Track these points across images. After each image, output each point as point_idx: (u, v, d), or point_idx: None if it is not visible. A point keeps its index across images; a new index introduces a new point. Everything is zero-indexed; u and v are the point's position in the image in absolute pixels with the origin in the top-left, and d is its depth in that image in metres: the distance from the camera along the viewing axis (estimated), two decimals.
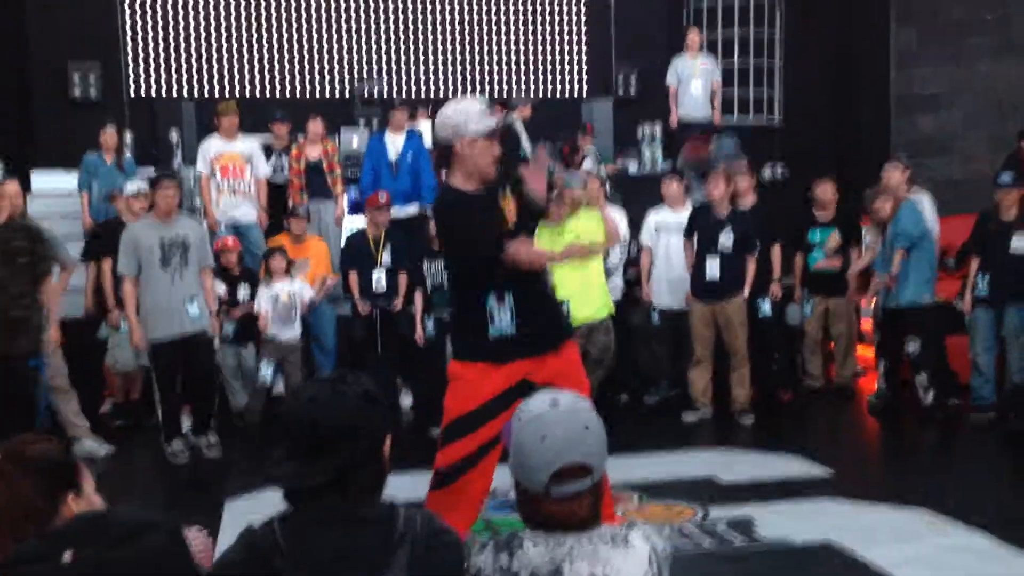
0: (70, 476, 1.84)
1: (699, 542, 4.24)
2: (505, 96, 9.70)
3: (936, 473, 5.71)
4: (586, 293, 6.09)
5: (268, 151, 8.01)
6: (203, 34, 9.89)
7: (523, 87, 10.46)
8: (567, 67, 10.73)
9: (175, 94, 9.69)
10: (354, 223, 7.90)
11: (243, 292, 6.93)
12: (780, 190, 8.96)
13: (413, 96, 10.07)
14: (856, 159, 10.54)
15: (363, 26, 10.25)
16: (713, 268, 6.64)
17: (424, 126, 8.49)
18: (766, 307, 6.99)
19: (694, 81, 9.06)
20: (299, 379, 6.76)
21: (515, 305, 3.34)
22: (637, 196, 8.06)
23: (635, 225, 7.27)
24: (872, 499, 4.82)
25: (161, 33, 9.78)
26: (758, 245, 6.79)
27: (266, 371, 6.70)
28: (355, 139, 8.91)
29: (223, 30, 9.93)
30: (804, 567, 3.96)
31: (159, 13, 9.78)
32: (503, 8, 10.58)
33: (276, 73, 10.04)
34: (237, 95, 9.60)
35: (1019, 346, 6.42)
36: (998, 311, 6.46)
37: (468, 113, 3.36)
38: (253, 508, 3.42)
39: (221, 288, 6.78)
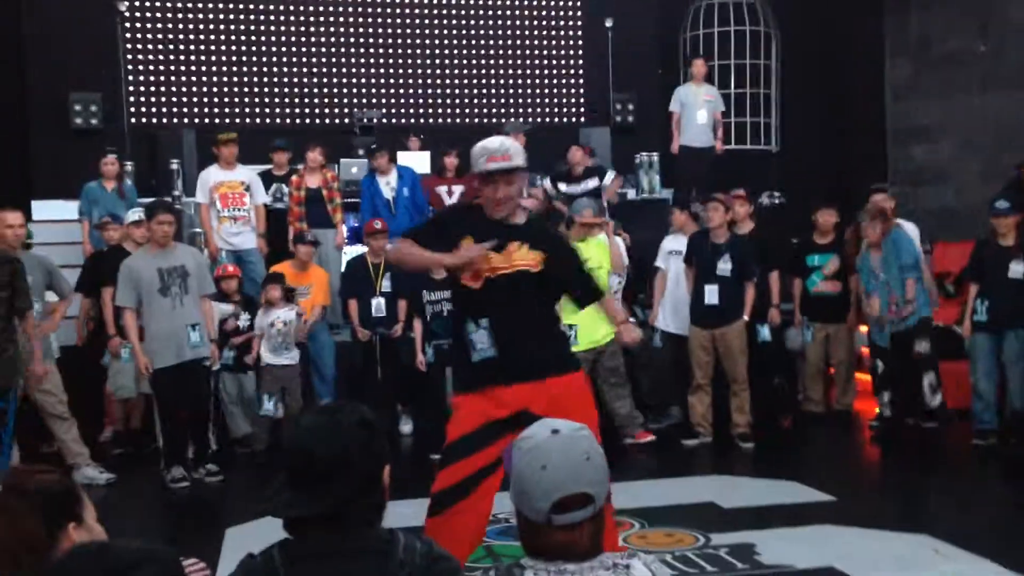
0: (71, 506, 1.83)
1: (701, 569, 4.22)
2: (502, 122, 9.77)
3: (939, 499, 5.70)
4: (595, 317, 6.10)
5: (268, 179, 8.05)
6: (204, 63, 9.98)
7: (521, 114, 10.53)
8: (565, 95, 10.81)
9: (176, 123, 9.74)
10: (353, 251, 7.93)
11: (243, 319, 6.93)
12: (776, 217, 9.00)
13: (412, 123, 10.15)
14: (851, 187, 10.60)
15: (362, 56, 10.35)
16: (712, 294, 6.66)
17: (419, 155, 8.53)
18: (765, 332, 7.00)
19: (699, 111, 9.13)
20: (300, 405, 6.75)
21: (495, 329, 3.37)
22: (636, 222, 8.16)
23: (634, 250, 7.33)
24: (875, 525, 4.80)
25: (162, 62, 9.87)
26: (756, 271, 6.82)
27: (268, 404, 6.68)
28: (354, 168, 8.96)
29: (224, 60, 10.02)
30: None
31: (160, 42, 9.88)
32: (502, 36, 10.68)
33: (276, 102, 10.12)
34: (238, 124, 9.67)
35: (1019, 371, 6.43)
36: (998, 336, 6.47)
37: (475, 153, 3.47)
38: (254, 537, 3.41)
39: (228, 309, 6.79)
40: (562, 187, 8.43)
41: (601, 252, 6.55)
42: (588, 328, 6.35)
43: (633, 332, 3.84)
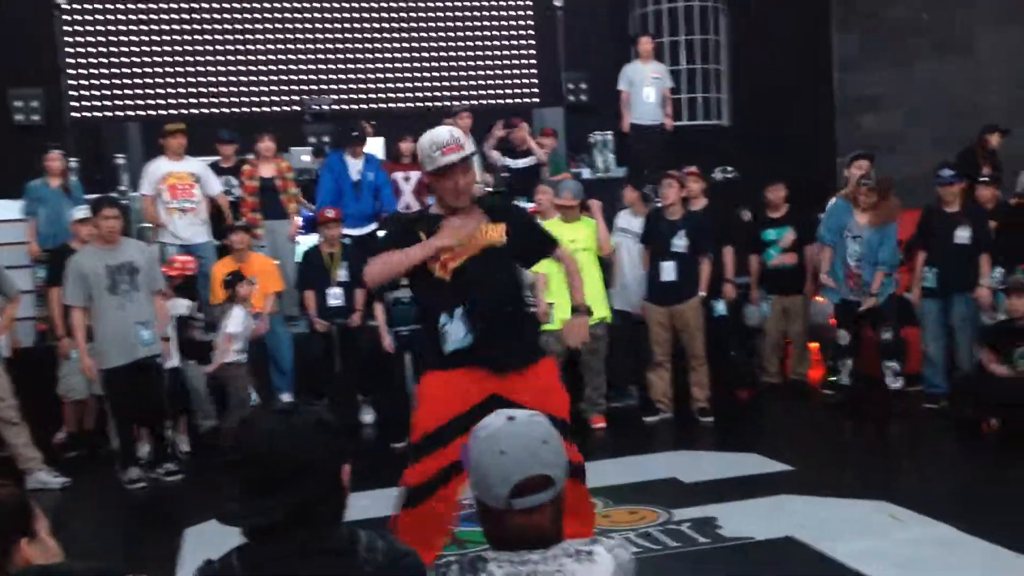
0: (24, 521, 1.80)
1: (664, 545, 4.27)
2: (455, 105, 9.72)
3: (894, 464, 5.81)
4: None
5: (216, 172, 7.90)
6: (147, 54, 9.75)
7: (474, 96, 10.47)
8: (517, 75, 10.77)
9: (120, 116, 9.54)
10: (309, 241, 7.85)
11: (199, 325, 6.80)
12: (730, 192, 9.07)
13: (364, 109, 10.05)
14: (802, 160, 10.72)
15: (311, 42, 10.19)
16: (668, 271, 6.71)
17: (372, 141, 8.46)
18: (720, 307, 7.08)
19: (646, 88, 9.17)
20: (246, 395, 6.62)
21: (470, 315, 3.35)
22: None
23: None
24: (833, 493, 4.88)
25: (103, 54, 9.64)
26: (711, 247, 6.88)
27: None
28: (306, 156, 8.85)
29: (167, 50, 9.80)
30: (767, 563, 4.00)
31: (100, 34, 9.64)
32: (452, 19, 10.58)
33: (223, 92, 9.93)
34: (184, 115, 9.50)
35: (967, 335, 6.58)
36: (946, 301, 6.61)
37: (424, 149, 3.41)
38: (214, 538, 3.37)
39: (183, 304, 6.68)
40: (507, 161, 8.49)
41: (589, 234, 6.58)
42: (565, 308, 6.39)
43: (579, 333, 3.70)
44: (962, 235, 6.57)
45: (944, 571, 3.75)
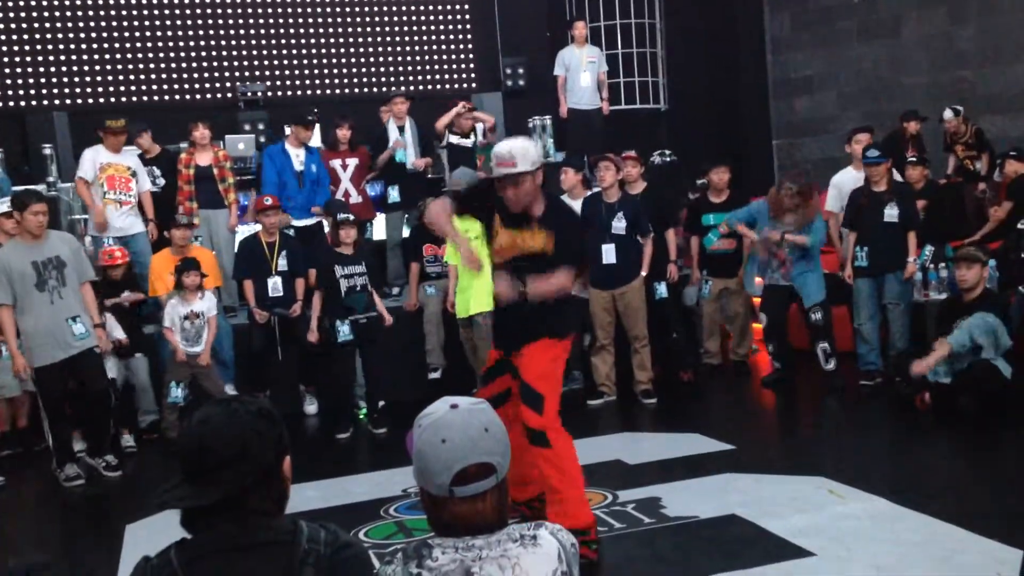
0: None
1: (609, 526, 4.32)
2: (391, 91, 9.62)
3: (831, 441, 5.95)
4: (481, 288, 6.23)
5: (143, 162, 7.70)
6: (72, 40, 9.44)
7: (410, 82, 10.38)
8: (454, 62, 10.72)
9: (46, 105, 9.25)
10: (247, 230, 7.72)
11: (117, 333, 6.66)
12: (669, 175, 9.15)
13: (299, 95, 9.91)
14: (738, 142, 10.88)
15: (243, 27, 9.99)
16: (609, 253, 6.76)
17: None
18: (663, 289, 7.15)
19: (582, 73, 9.19)
20: (221, 387, 6.63)
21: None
22: None
23: None
24: (773, 471, 4.99)
25: (27, 41, 9.32)
26: (651, 228, 6.95)
27: (176, 392, 6.51)
28: (241, 144, 8.69)
29: (94, 35, 9.51)
30: (712, 541, 4.06)
31: (23, 20, 9.31)
32: (388, 4, 10.46)
33: (153, 79, 9.68)
34: (113, 103, 9.25)
35: (899, 313, 6.75)
36: (878, 280, 6.77)
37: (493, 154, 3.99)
38: (155, 532, 3.31)
39: (119, 331, 6.54)
40: (452, 139, 8.50)
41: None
42: (474, 297, 6.49)
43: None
44: (891, 213, 6.73)
45: (881, 544, 3.85)
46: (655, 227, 7.01)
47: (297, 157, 7.75)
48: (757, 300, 7.73)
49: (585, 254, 4.35)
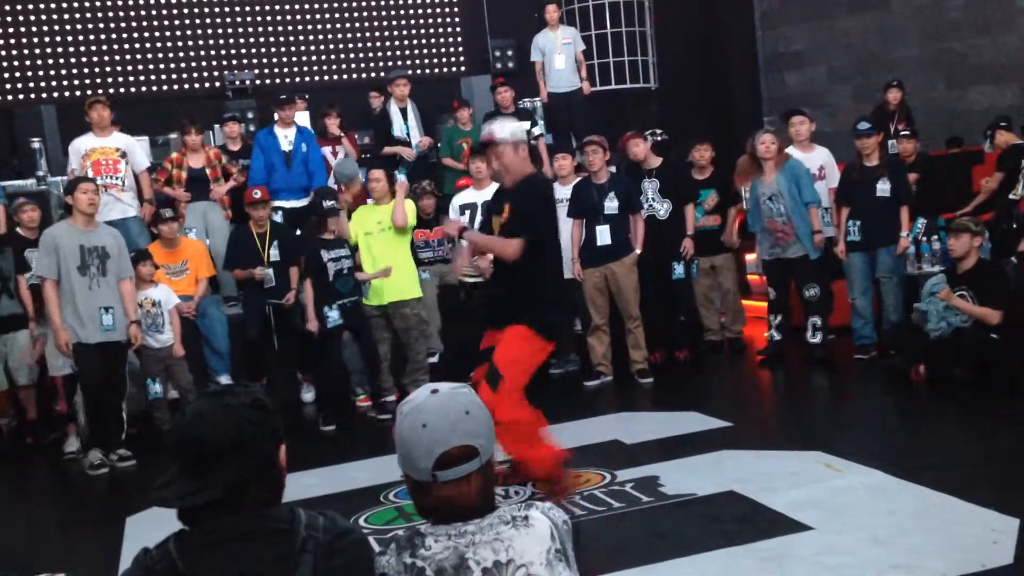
0: None
1: (608, 506, 4.33)
2: (380, 76, 9.56)
3: (827, 415, 5.98)
4: (395, 275, 6.56)
5: None
6: (59, 33, 9.39)
7: (400, 67, 10.32)
8: (443, 44, 10.66)
9: (33, 99, 9.18)
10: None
11: None
12: (662, 154, 9.12)
13: (287, 83, 9.85)
14: (729, 118, 10.85)
15: (230, 15, 9.93)
16: (603, 235, 6.76)
17: (298, 116, 8.30)
18: (680, 270, 7.17)
19: (556, 56, 9.16)
20: (189, 381, 6.57)
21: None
22: None
23: None
24: (770, 446, 5.01)
25: (12, 35, 9.25)
26: (643, 204, 6.94)
27: (155, 387, 6.49)
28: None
29: (80, 28, 9.45)
30: (710, 517, 4.08)
31: (8, 13, 9.24)
32: None
33: (140, 69, 9.63)
34: (101, 95, 9.16)
35: (892, 286, 6.76)
36: (871, 254, 6.77)
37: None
38: (155, 525, 3.30)
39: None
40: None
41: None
42: (390, 285, 6.60)
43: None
44: (883, 188, 6.72)
45: (878, 516, 3.87)
46: (673, 201, 7.01)
47: (285, 138, 7.73)
48: (754, 278, 7.74)
49: (544, 230, 4.22)
